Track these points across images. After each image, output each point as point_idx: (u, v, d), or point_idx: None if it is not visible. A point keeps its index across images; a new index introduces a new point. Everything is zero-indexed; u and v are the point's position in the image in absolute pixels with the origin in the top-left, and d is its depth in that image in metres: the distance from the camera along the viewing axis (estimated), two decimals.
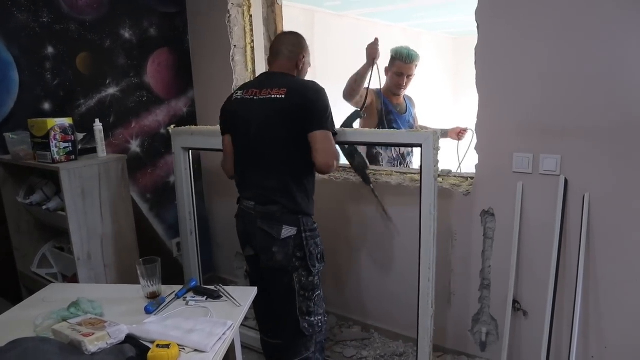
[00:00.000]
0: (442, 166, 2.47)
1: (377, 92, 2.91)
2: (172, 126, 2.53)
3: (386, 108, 2.95)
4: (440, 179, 2.33)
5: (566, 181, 1.92)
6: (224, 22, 2.90)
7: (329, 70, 5.46)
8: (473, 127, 2.14)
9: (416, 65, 2.99)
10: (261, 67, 3.06)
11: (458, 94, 9.01)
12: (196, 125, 3.22)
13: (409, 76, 2.96)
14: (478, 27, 2.03)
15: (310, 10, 4.93)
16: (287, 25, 3.23)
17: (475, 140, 2.13)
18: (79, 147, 2.34)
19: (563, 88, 1.86)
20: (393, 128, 2.92)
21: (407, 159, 3.04)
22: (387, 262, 2.53)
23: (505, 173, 2.06)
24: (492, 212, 2.14)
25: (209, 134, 2.41)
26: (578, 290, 1.90)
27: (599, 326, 1.94)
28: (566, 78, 1.85)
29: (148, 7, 2.86)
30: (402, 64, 2.92)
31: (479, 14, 2.01)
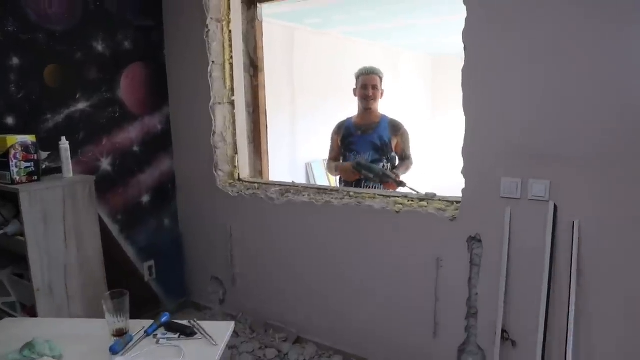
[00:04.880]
0: (425, 189, 2.44)
1: (340, 126, 3.12)
2: None
3: (347, 132, 3.05)
4: (424, 203, 2.26)
5: (555, 207, 1.86)
6: (202, 37, 2.80)
7: (308, 87, 5.41)
8: (460, 149, 2.08)
9: (380, 78, 3.02)
10: (240, 84, 2.97)
11: (436, 111, 9.06)
12: (171, 143, 3.09)
13: (374, 87, 2.98)
14: (465, 47, 1.98)
15: (290, 28, 4.87)
16: (267, 41, 3.16)
17: (461, 164, 2.07)
18: (43, 166, 2.20)
19: (553, 111, 1.81)
20: (352, 151, 2.99)
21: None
22: (369, 287, 2.44)
23: (492, 198, 2.00)
24: (479, 238, 2.07)
25: None
26: (570, 320, 1.83)
27: (592, 358, 1.87)
28: (557, 101, 1.80)
29: (123, 20, 2.75)
30: (364, 76, 2.99)
31: (466, 34, 1.97)
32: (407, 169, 3.05)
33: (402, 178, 2.84)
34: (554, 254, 1.88)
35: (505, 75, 1.90)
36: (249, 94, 3.08)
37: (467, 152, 2.04)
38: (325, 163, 3.53)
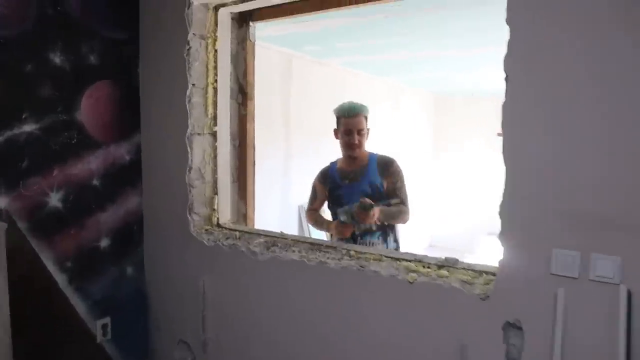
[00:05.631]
0: (424, 237, 1.95)
1: (324, 175, 2.84)
2: None
3: (333, 184, 2.78)
4: (444, 272, 1.78)
5: (629, 293, 1.39)
6: (183, 56, 2.37)
7: (306, 119, 4.99)
8: (497, 207, 1.62)
9: (365, 118, 2.68)
10: (225, 112, 2.53)
11: (438, 149, 8.71)
12: (141, 177, 2.61)
13: (360, 131, 2.64)
14: (506, 78, 1.55)
15: (288, 55, 4.49)
16: (261, 67, 2.74)
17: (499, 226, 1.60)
18: None
19: (628, 163, 1.37)
20: (341, 204, 2.67)
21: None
22: None
23: (540, 274, 1.53)
24: (519, 325, 1.58)
25: None
26: None
27: None
28: (631, 149, 1.36)
29: (89, 30, 2.32)
30: (347, 119, 2.66)
31: (509, 61, 1.54)
32: (400, 215, 2.62)
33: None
34: (631, 356, 1.39)
35: (560, 113, 1.47)
36: (235, 124, 2.64)
37: (506, 211, 1.58)
38: (306, 213, 3.16)
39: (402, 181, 2.67)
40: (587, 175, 1.44)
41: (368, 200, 2.47)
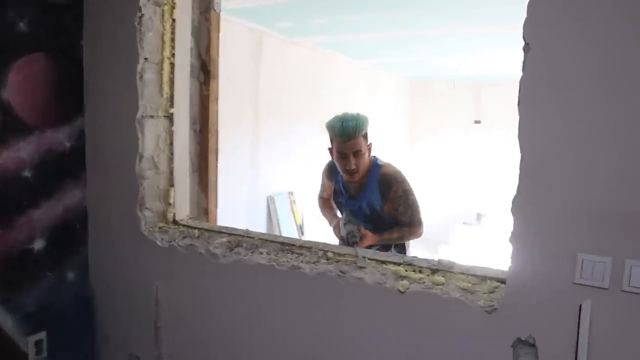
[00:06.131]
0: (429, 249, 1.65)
1: (331, 169, 2.55)
2: None
3: (337, 187, 2.52)
4: (439, 279, 1.50)
5: None
6: (134, 24, 2.01)
7: (277, 103, 4.65)
8: (510, 204, 1.34)
9: (363, 136, 2.27)
10: (183, 92, 2.18)
11: (414, 138, 8.51)
12: (84, 167, 2.24)
13: (356, 153, 2.23)
14: (526, 47, 1.26)
15: (259, 32, 4.12)
16: (228, 44, 2.39)
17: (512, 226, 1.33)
18: None
19: None
20: (341, 210, 2.52)
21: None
22: None
23: (560, 283, 1.27)
24: (533, 342, 1.32)
25: None
26: None
27: None
28: None
29: None
30: (341, 143, 2.24)
31: (530, 25, 1.25)
32: (403, 239, 2.38)
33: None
34: None
35: (591, 92, 1.19)
36: (196, 106, 2.30)
37: (521, 208, 1.31)
38: (316, 199, 2.82)
39: (407, 204, 2.30)
40: (620, 165, 1.18)
41: (357, 234, 2.20)
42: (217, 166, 2.37)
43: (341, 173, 2.35)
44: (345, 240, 2.18)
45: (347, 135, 2.20)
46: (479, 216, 7.23)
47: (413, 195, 2.34)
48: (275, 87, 4.55)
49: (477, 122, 7.14)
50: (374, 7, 3.34)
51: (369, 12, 3.46)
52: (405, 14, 3.48)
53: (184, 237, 2.02)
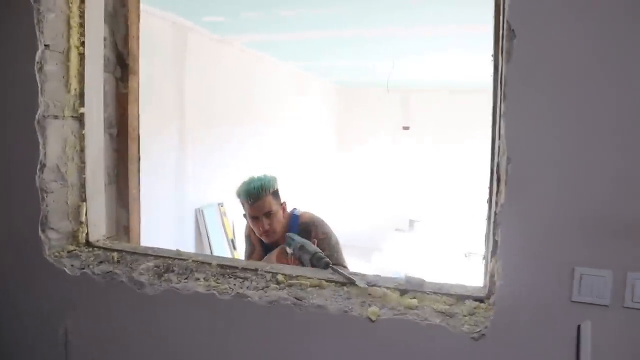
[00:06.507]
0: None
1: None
2: None
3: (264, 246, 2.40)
4: (412, 301, 1.30)
5: None
6: (31, 2, 1.64)
7: (205, 107, 4.31)
8: (487, 210, 1.18)
9: (272, 195, 2.26)
10: (96, 89, 1.84)
11: (343, 144, 8.45)
12: None
13: (267, 214, 2.23)
14: (511, 32, 1.09)
15: (184, 28, 3.76)
16: (151, 40, 2.07)
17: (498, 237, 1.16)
18: None
19: None
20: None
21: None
22: None
23: (556, 302, 1.11)
24: None
25: None
26: None
27: None
28: None
29: None
30: (250, 206, 2.24)
31: (515, 8, 1.09)
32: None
33: None
34: None
35: (589, 84, 1.05)
36: (113, 107, 1.97)
37: (508, 216, 1.14)
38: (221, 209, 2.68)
39: (330, 247, 2.20)
40: (624, 169, 1.04)
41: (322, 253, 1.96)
42: (139, 177, 2.03)
43: (258, 235, 2.32)
44: (310, 262, 1.89)
45: (253, 197, 2.20)
46: (411, 222, 7.27)
47: (334, 238, 2.30)
48: (202, 90, 4.20)
49: (406, 128, 7.20)
50: (313, 3, 3.13)
51: (307, 8, 3.25)
52: (349, 9, 3.29)
53: (100, 263, 1.67)
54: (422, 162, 7.84)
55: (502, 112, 1.14)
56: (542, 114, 1.09)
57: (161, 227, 3.60)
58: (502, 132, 1.14)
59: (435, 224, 6.98)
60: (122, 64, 1.98)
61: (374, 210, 8.09)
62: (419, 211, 7.45)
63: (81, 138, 1.80)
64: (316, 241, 2.13)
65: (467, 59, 5.25)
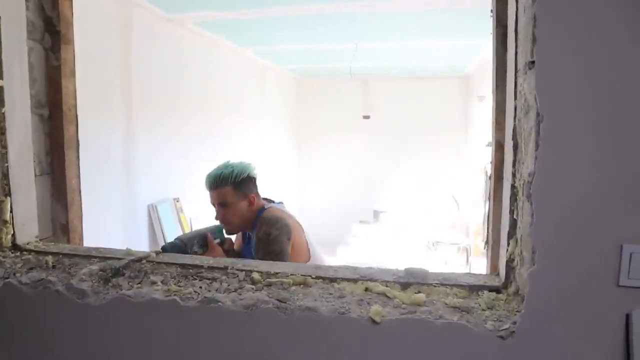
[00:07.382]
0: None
1: None
2: None
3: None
4: (418, 295, 1.09)
5: None
6: None
7: (155, 95, 3.96)
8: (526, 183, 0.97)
9: (234, 186, 2.18)
10: (18, 58, 1.52)
11: (302, 135, 8.21)
12: None
13: (223, 203, 2.18)
14: None
15: (128, 4, 3.38)
16: (84, 11, 1.76)
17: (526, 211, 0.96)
18: None
19: None
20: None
21: None
22: None
23: (600, 287, 0.92)
24: None
25: None
26: None
27: None
28: None
29: None
30: (209, 192, 2.23)
31: None
32: None
33: None
34: None
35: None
36: (42, 82, 1.65)
37: (539, 187, 0.93)
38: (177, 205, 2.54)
39: (265, 248, 2.09)
40: None
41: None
42: (78, 165, 1.73)
43: None
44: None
45: (209, 185, 2.18)
46: (376, 213, 7.12)
47: (275, 237, 2.12)
48: (151, 73, 3.83)
49: (366, 117, 7.04)
50: None
51: None
52: None
53: (30, 269, 1.36)
54: (384, 152, 7.73)
55: (527, 61, 0.93)
56: (580, 59, 0.89)
57: (108, 225, 3.23)
58: (529, 84, 0.93)
59: (400, 214, 6.87)
60: (52, 30, 1.66)
61: (337, 203, 7.91)
62: (383, 202, 7.33)
63: (1, 119, 1.47)
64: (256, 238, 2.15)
65: (432, 43, 5.15)
